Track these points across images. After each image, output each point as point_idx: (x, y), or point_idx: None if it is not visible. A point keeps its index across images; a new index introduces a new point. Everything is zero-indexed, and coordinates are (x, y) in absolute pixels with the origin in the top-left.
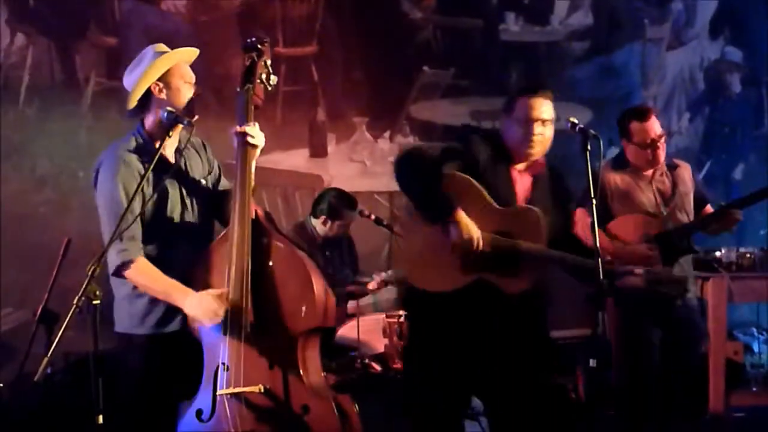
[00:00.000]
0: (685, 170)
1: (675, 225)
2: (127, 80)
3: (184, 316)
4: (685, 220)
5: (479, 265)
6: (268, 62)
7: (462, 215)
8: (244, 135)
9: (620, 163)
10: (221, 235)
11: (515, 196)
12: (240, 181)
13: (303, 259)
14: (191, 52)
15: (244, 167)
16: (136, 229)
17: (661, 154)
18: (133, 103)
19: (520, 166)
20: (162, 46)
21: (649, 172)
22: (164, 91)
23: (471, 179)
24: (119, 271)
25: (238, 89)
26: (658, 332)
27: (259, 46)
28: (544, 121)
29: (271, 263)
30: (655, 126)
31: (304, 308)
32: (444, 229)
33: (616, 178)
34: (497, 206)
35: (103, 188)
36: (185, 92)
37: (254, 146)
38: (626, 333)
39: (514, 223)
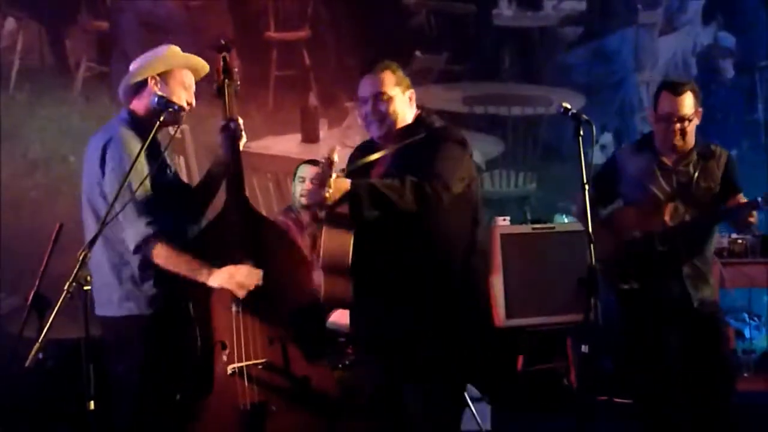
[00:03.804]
0: (718, 162)
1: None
2: (133, 65)
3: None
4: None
5: None
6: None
7: None
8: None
9: (643, 145)
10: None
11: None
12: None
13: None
14: (198, 63)
15: (236, 157)
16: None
17: (689, 140)
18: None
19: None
20: (175, 49)
21: (671, 159)
22: (159, 85)
23: None
24: (146, 245)
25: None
26: (676, 335)
27: (228, 45)
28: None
29: (266, 242)
30: (685, 103)
31: (299, 284)
32: None
33: (632, 163)
34: None
35: (123, 164)
36: (180, 95)
37: (240, 137)
38: (640, 337)
39: None
